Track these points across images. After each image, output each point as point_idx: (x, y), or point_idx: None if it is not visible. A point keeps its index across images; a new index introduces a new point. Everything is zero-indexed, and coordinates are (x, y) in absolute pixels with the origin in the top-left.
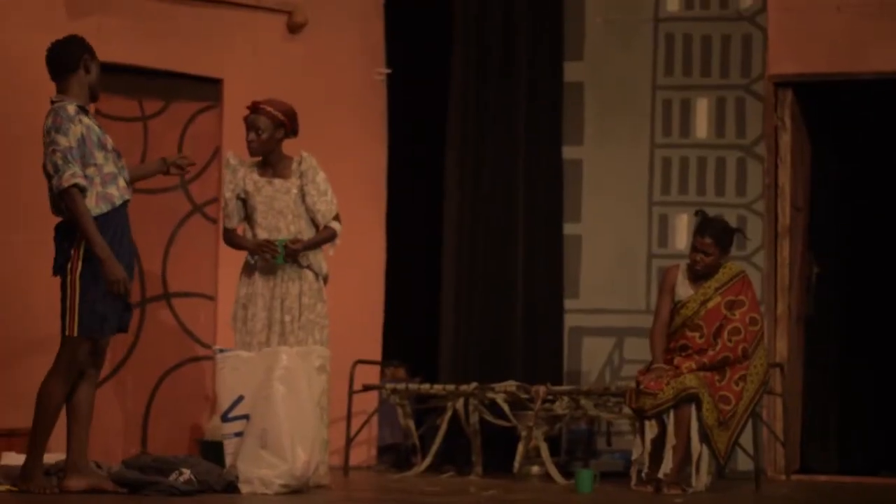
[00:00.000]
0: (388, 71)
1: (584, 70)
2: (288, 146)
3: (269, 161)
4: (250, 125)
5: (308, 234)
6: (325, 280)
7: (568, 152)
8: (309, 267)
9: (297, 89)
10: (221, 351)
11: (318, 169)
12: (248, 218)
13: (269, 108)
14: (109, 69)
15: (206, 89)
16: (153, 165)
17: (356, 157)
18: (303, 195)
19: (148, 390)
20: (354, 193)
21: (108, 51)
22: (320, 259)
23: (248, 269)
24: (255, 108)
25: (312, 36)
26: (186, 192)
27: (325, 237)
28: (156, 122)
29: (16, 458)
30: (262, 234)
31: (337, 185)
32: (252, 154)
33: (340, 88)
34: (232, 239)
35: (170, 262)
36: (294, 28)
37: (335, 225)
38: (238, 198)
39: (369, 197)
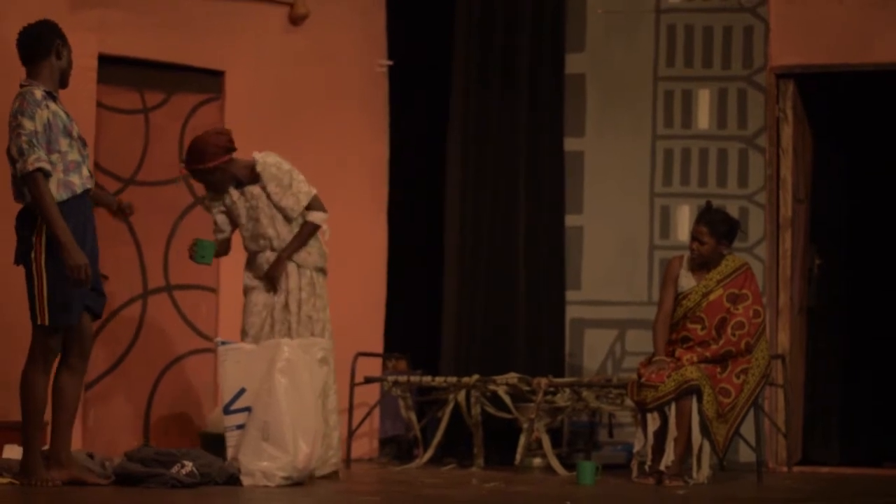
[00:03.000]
0: (390, 62)
1: (585, 61)
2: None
3: (236, 178)
4: (204, 185)
5: (286, 232)
6: (323, 272)
7: (570, 144)
8: (299, 265)
9: (298, 81)
10: (223, 343)
11: (277, 164)
12: (237, 227)
13: (196, 167)
14: (111, 61)
15: (208, 81)
16: (108, 198)
17: (358, 148)
18: (269, 196)
19: (150, 383)
20: (356, 185)
21: (110, 43)
22: (314, 255)
23: (250, 264)
24: (188, 172)
25: (314, 28)
26: (188, 185)
27: (305, 234)
28: (157, 114)
29: (17, 451)
30: (250, 245)
31: (339, 177)
32: (219, 196)
33: (342, 80)
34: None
35: (171, 255)
36: (296, 20)
37: (314, 216)
38: (222, 212)
39: (371, 189)
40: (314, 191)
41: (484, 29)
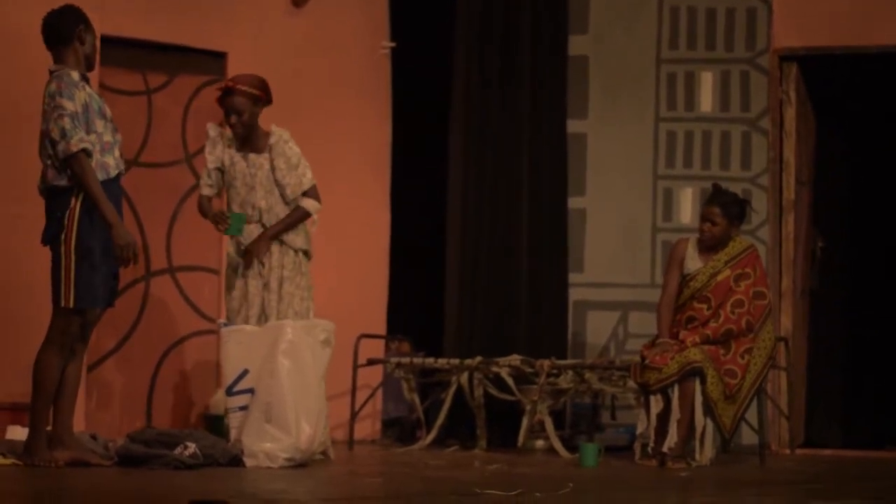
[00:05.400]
0: (393, 45)
1: (588, 44)
2: (273, 118)
3: (248, 136)
4: (230, 108)
5: (280, 209)
6: (308, 255)
7: (572, 126)
8: (283, 243)
9: (301, 63)
10: (226, 325)
11: (291, 143)
12: (228, 190)
13: (243, 87)
14: (114, 43)
15: (211, 63)
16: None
17: (360, 131)
18: (273, 169)
19: (153, 364)
20: (359, 169)
21: (113, 24)
22: (301, 235)
23: (235, 243)
24: (229, 89)
25: (317, 10)
26: (190, 166)
27: (294, 219)
28: (160, 95)
29: (20, 433)
30: (237, 209)
31: (341, 161)
32: (238, 137)
33: (345, 63)
34: (202, 206)
35: (174, 236)
36: (299, 2)
37: (307, 203)
38: (217, 169)
39: (374, 172)
40: (315, 182)
41: (486, 11)
